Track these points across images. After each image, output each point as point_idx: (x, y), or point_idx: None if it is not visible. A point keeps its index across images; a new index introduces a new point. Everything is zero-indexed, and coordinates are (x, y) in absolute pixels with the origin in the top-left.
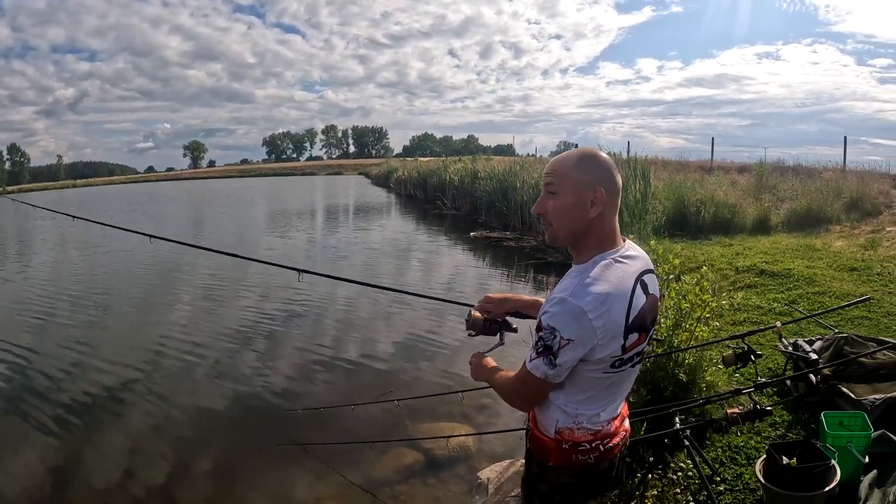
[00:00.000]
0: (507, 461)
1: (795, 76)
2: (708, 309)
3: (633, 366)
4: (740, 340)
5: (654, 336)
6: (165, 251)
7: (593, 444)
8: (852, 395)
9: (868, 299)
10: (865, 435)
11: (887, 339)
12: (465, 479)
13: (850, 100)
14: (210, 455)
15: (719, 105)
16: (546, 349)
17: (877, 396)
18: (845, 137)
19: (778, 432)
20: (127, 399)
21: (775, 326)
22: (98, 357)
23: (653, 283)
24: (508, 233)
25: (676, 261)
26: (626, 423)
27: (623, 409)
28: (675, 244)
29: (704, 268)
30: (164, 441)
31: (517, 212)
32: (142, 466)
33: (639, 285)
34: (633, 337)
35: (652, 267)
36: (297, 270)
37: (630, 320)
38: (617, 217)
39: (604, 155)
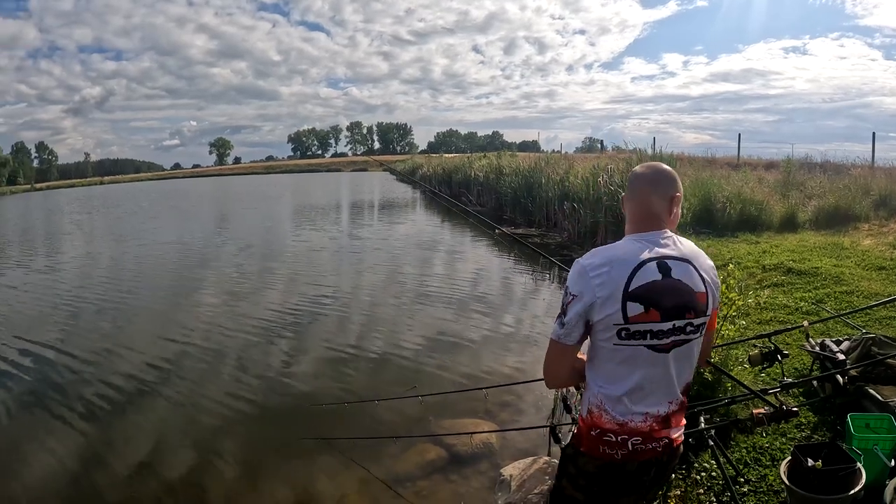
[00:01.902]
0: (531, 458)
1: (823, 71)
2: (734, 307)
3: (653, 349)
4: (767, 340)
5: (694, 327)
6: (194, 246)
7: (619, 438)
8: (879, 398)
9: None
10: (892, 438)
11: None
12: (487, 475)
13: (878, 95)
14: (235, 447)
15: (746, 100)
16: (560, 311)
17: None
18: (874, 133)
19: (803, 434)
20: (153, 390)
21: (802, 326)
22: (125, 348)
23: (684, 272)
24: (534, 229)
25: None
26: (675, 434)
27: (665, 410)
28: (700, 241)
29: (731, 265)
30: (190, 432)
31: (542, 208)
32: (167, 457)
33: (655, 263)
34: (636, 308)
35: (690, 259)
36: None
37: (631, 287)
38: (658, 211)
39: (651, 164)
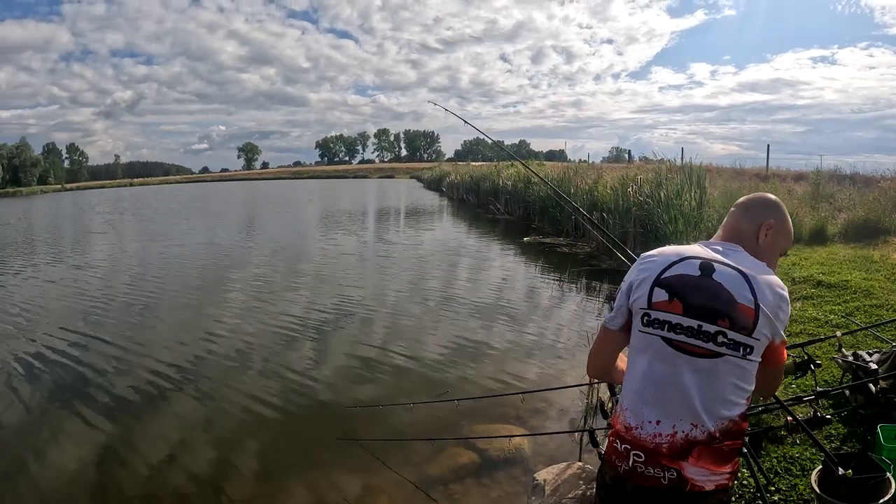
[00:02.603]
0: (565, 463)
1: (852, 81)
2: None
3: (668, 342)
4: (800, 350)
5: (728, 339)
6: (224, 247)
7: (623, 447)
8: None
9: None
10: None
11: None
12: (520, 480)
13: None
14: (264, 447)
15: (774, 111)
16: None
17: None
18: None
19: (834, 445)
20: (180, 389)
21: (835, 336)
22: (153, 345)
23: (730, 278)
24: (562, 238)
25: None
26: (695, 475)
27: (682, 432)
28: None
29: None
30: (218, 432)
31: (571, 217)
32: (192, 455)
33: (700, 262)
34: (661, 294)
35: (749, 275)
36: None
37: (662, 275)
38: (742, 232)
39: (756, 193)
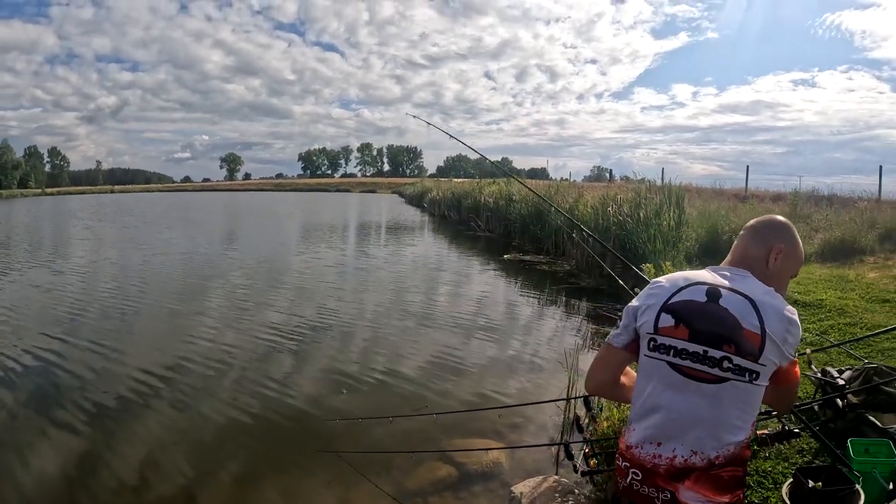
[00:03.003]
0: (541, 477)
1: (831, 103)
2: None
3: (673, 367)
4: None
5: (734, 365)
6: (204, 257)
7: (624, 464)
8: (879, 424)
9: (892, 329)
10: (890, 462)
11: None
12: (497, 493)
13: (886, 127)
14: (242, 459)
15: (754, 132)
16: None
17: None
18: (881, 167)
19: (805, 459)
20: (158, 397)
21: (805, 353)
22: (130, 354)
23: (737, 304)
24: (542, 256)
25: None
26: (686, 497)
27: (681, 456)
28: None
29: None
30: (195, 442)
31: (551, 236)
32: (169, 467)
33: (707, 288)
34: (668, 320)
35: (758, 301)
36: None
37: (669, 301)
38: (751, 255)
39: (767, 215)
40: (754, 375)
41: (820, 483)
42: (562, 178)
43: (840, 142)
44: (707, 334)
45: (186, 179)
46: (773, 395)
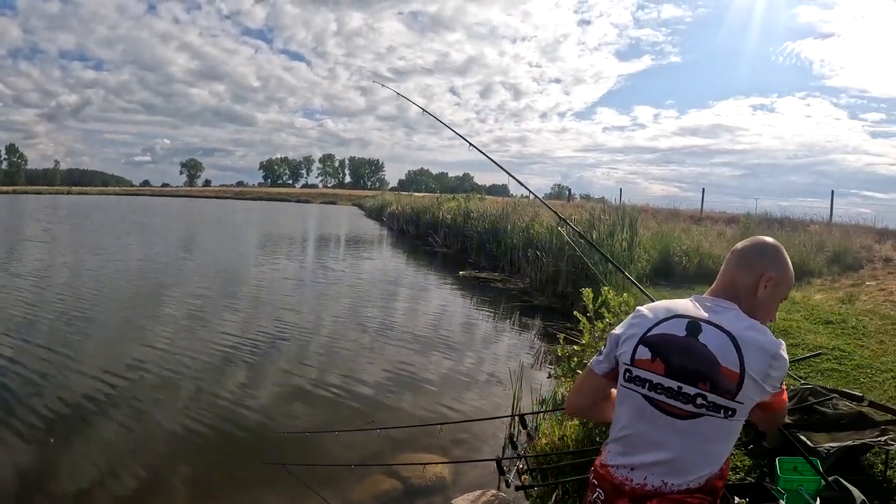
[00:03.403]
0: (479, 491)
1: (789, 128)
2: None
3: (649, 400)
4: None
5: (708, 402)
6: (160, 264)
7: (593, 481)
8: (808, 443)
9: (819, 354)
10: (816, 479)
11: (850, 391)
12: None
13: (841, 153)
14: (189, 471)
15: (713, 154)
16: None
17: (832, 444)
18: (832, 191)
19: (738, 476)
20: (107, 409)
21: None
22: (79, 364)
23: (717, 340)
24: (497, 274)
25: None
26: None
27: (651, 484)
28: (657, 293)
29: None
30: (143, 455)
31: (507, 254)
32: (116, 479)
33: (687, 321)
34: (644, 352)
35: (739, 338)
36: None
37: (647, 333)
38: (739, 285)
39: (755, 238)
40: (730, 412)
41: (746, 499)
42: (522, 196)
43: (796, 165)
44: (683, 370)
45: (145, 183)
46: (760, 418)
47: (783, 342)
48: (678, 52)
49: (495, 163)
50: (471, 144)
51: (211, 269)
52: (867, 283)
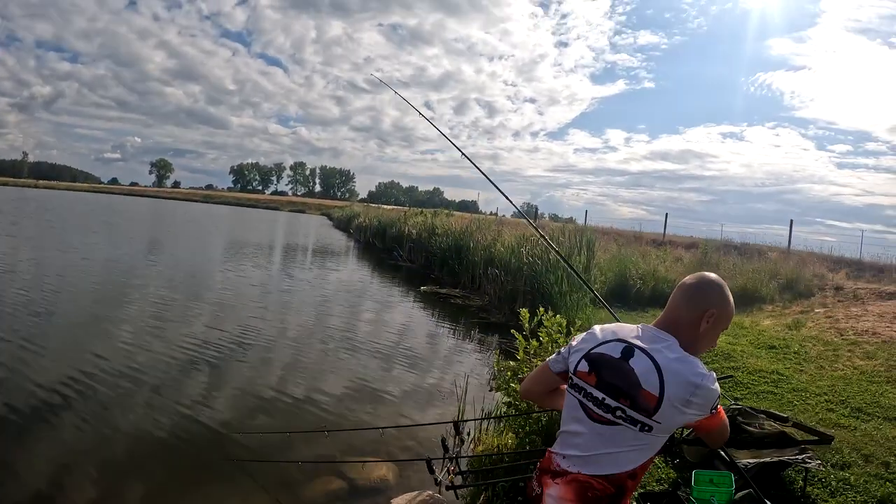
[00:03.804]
0: (417, 492)
1: (757, 157)
2: None
3: (583, 407)
4: None
5: (627, 416)
6: (125, 266)
7: (537, 469)
8: (726, 458)
9: (730, 377)
10: (729, 492)
11: (777, 413)
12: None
13: (807, 182)
14: (145, 470)
15: (682, 180)
16: None
17: (750, 461)
18: (791, 221)
19: (663, 487)
20: (64, 409)
21: None
22: (37, 362)
23: (644, 367)
24: (457, 290)
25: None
26: (555, 493)
27: (565, 467)
28: (609, 316)
29: None
30: (98, 456)
31: (468, 271)
32: (72, 478)
33: (625, 345)
34: (583, 365)
35: (665, 369)
36: None
37: (591, 350)
38: (683, 319)
39: (701, 275)
40: (647, 427)
41: None
42: (491, 212)
43: (763, 193)
44: (609, 385)
45: (114, 181)
46: (703, 435)
47: (713, 374)
48: (652, 77)
49: (491, 181)
50: (475, 166)
51: (180, 273)
52: (816, 310)
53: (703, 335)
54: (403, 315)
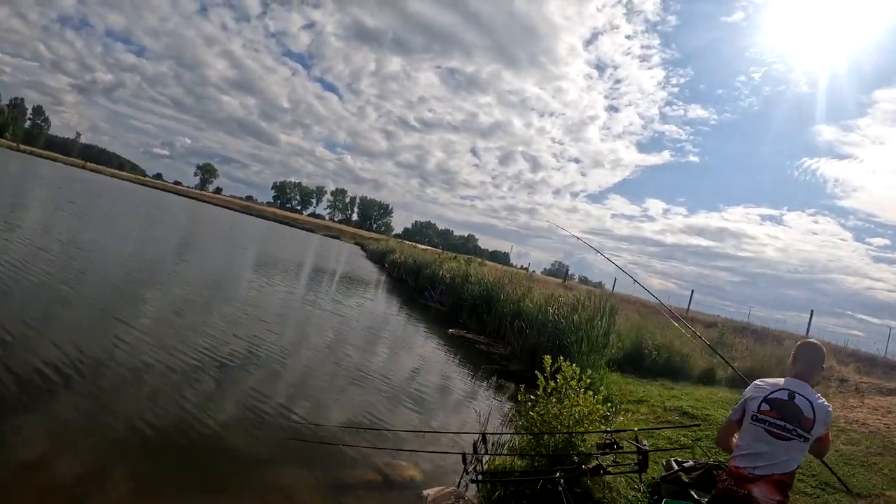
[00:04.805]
0: (444, 486)
1: (793, 242)
2: (597, 414)
3: (768, 431)
4: (611, 435)
5: (798, 433)
6: (153, 262)
7: (724, 476)
8: (695, 496)
9: (698, 425)
10: None
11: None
12: (414, 493)
13: (842, 273)
14: (135, 464)
15: (715, 258)
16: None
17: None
18: (812, 311)
19: None
20: (63, 391)
21: (633, 430)
22: (48, 342)
23: (802, 402)
24: (483, 337)
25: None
26: (757, 493)
27: (757, 473)
28: (622, 379)
29: (602, 388)
30: (96, 441)
31: (495, 320)
32: (61, 462)
33: (787, 392)
34: (765, 406)
35: (812, 401)
36: None
37: (767, 395)
38: (803, 373)
39: (808, 344)
40: (805, 440)
41: None
42: (521, 266)
43: (795, 280)
44: (788, 415)
45: (158, 176)
46: (817, 447)
47: (831, 406)
48: (698, 152)
49: (620, 267)
50: (612, 263)
51: (205, 276)
52: None
53: (815, 381)
54: (428, 353)
